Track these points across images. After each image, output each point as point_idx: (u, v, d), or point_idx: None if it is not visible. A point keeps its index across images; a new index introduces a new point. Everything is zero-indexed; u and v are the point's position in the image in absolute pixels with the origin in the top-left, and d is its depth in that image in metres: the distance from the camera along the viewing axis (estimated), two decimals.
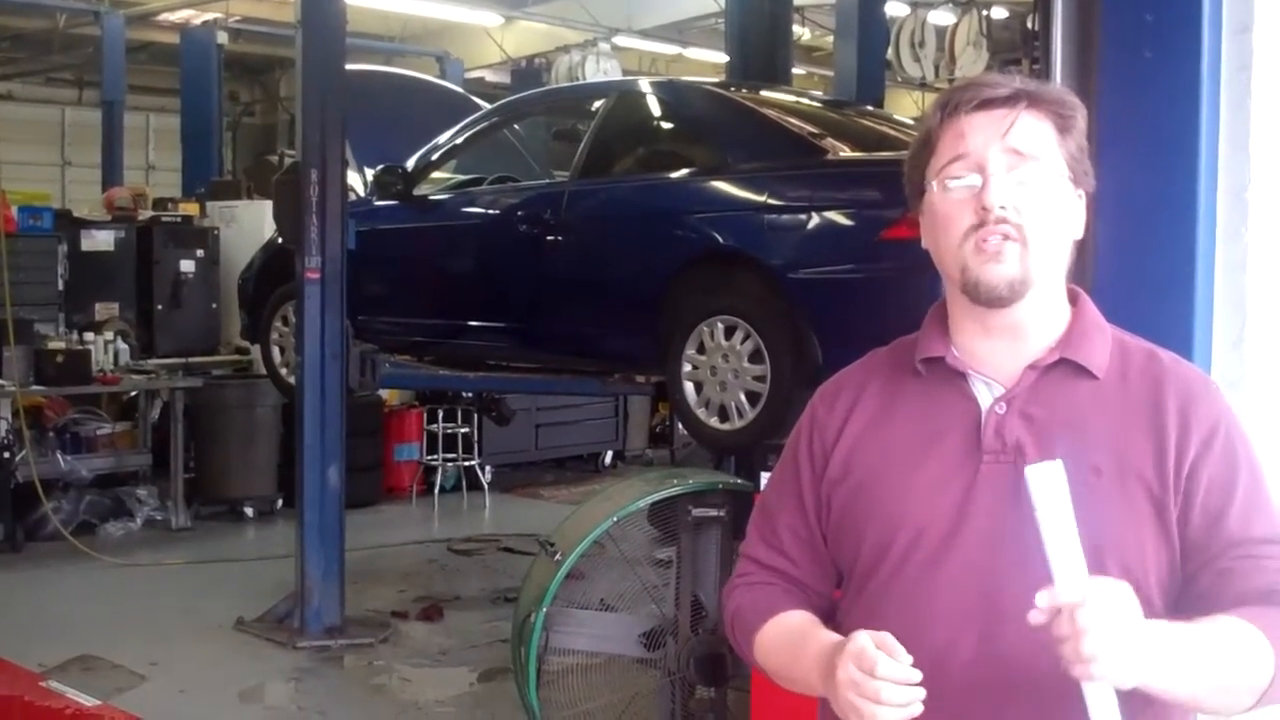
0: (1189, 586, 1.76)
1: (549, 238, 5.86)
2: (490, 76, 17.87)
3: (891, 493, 1.82)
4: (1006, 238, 1.73)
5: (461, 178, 6.98)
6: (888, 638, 1.62)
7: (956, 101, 1.78)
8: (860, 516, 1.85)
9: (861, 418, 1.89)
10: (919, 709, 1.60)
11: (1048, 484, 1.58)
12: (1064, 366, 1.80)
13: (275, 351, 7.36)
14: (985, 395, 1.81)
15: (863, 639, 1.63)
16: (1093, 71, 2.95)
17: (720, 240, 5.16)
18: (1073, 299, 1.86)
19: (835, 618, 1.92)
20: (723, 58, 9.36)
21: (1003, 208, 1.73)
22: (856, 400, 1.91)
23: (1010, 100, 1.76)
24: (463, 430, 10.78)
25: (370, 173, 6.93)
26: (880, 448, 1.86)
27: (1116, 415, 1.77)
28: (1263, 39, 2.79)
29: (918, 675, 1.59)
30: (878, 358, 1.96)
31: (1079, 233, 1.83)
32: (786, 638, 1.89)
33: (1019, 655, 1.66)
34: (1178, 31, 2.81)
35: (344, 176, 6.85)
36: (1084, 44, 2.98)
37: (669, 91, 6.18)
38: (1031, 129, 1.76)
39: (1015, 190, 1.74)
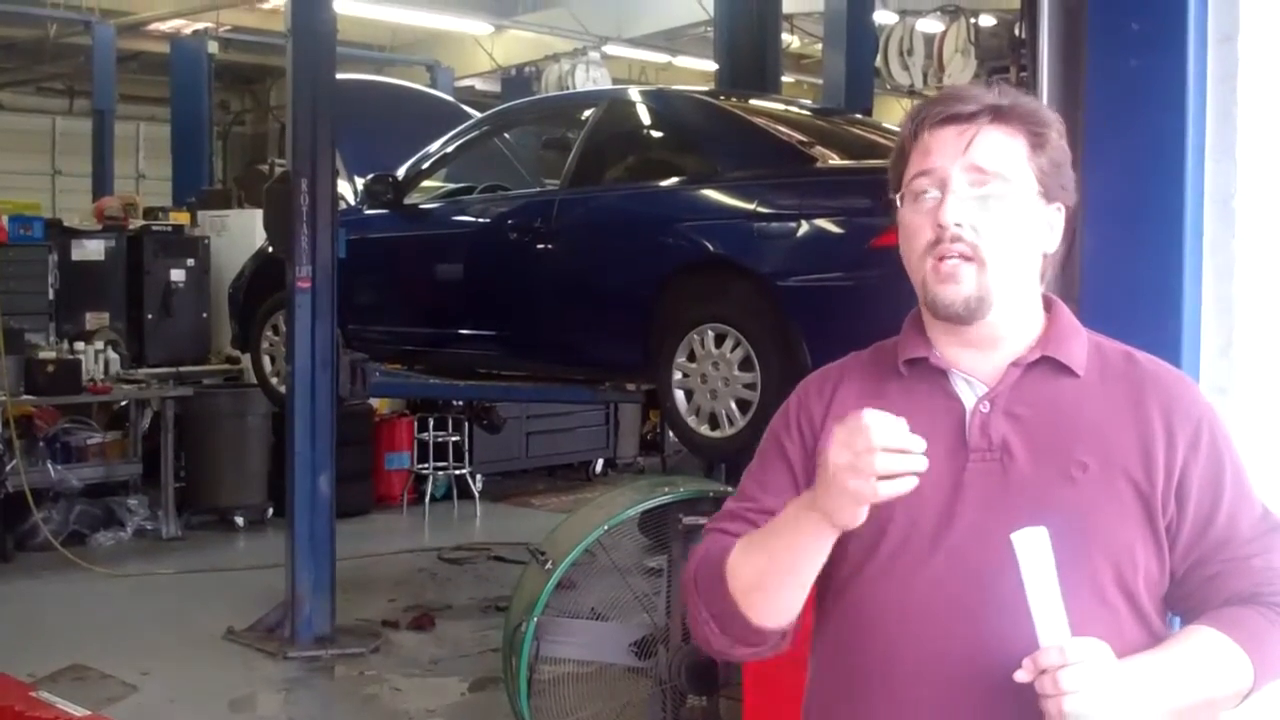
0: (1176, 586, 1.79)
1: (539, 246, 5.85)
2: (480, 85, 17.88)
3: None
4: (962, 257, 1.74)
5: (452, 186, 6.97)
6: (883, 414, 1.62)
7: (924, 115, 1.79)
8: None
9: (846, 406, 1.85)
10: (914, 481, 1.60)
11: (1033, 549, 1.61)
12: (1045, 364, 1.81)
13: (266, 360, 7.37)
14: (968, 394, 1.82)
15: (852, 419, 1.62)
16: (1079, 80, 2.96)
17: (710, 248, 5.15)
18: (1047, 306, 1.87)
19: (817, 607, 1.89)
20: (712, 66, 9.35)
21: (958, 225, 1.73)
22: (840, 388, 1.90)
23: (975, 116, 1.76)
24: (453, 439, 10.77)
25: (361, 181, 6.93)
26: None
27: (1100, 412, 1.78)
28: (1247, 48, 2.81)
29: (922, 444, 1.60)
30: (859, 359, 1.96)
31: (1051, 247, 1.83)
32: (756, 536, 1.82)
33: (1008, 652, 1.66)
34: (1163, 40, 2.82)
35: (334, 185, 6.85)
36: (1071, 52, 3.00)
37: (658, 100, 6.17)
38: (998, 145, 1.76)
39: (974, 208, 1.74)
